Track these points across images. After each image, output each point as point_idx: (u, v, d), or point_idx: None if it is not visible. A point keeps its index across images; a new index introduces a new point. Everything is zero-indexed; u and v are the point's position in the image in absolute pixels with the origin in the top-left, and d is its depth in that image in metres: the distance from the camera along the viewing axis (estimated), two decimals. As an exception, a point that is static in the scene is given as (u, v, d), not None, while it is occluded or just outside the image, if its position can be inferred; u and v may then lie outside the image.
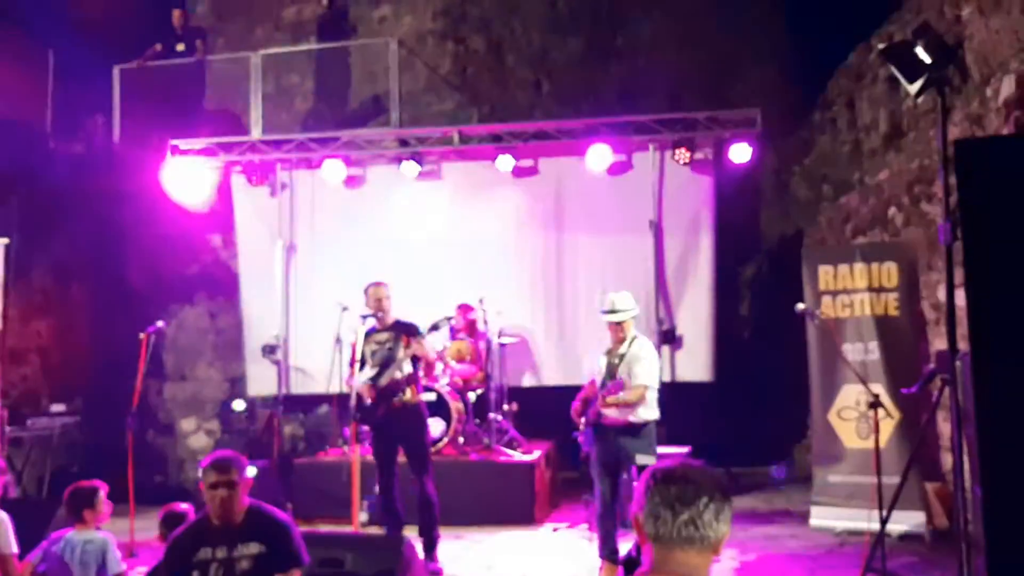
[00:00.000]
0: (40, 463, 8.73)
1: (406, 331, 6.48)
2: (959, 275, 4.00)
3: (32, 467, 8.61)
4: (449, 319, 8.65)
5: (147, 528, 6.99)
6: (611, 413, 5.81)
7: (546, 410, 9.34)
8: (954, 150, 3.67)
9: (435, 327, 6.88)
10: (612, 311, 5.93)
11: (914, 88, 4.18)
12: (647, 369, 5.89)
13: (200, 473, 3.70)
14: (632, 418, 5.81)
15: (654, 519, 1.96)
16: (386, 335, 6.49)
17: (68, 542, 4.54)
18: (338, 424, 8.99)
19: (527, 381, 9.37)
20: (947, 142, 4.16)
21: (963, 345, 4.18)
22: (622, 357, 5.88)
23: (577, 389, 9.35)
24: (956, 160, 3.62)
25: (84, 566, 4.50)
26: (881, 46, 4.69)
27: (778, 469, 9.43)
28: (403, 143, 9.71)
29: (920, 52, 4.11)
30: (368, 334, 6.54)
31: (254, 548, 3.59)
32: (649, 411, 5.90)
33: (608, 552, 5.91)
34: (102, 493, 4.72)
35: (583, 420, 6.00)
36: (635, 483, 2.08)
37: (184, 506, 4.94)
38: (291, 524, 3.74)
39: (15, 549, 4.60)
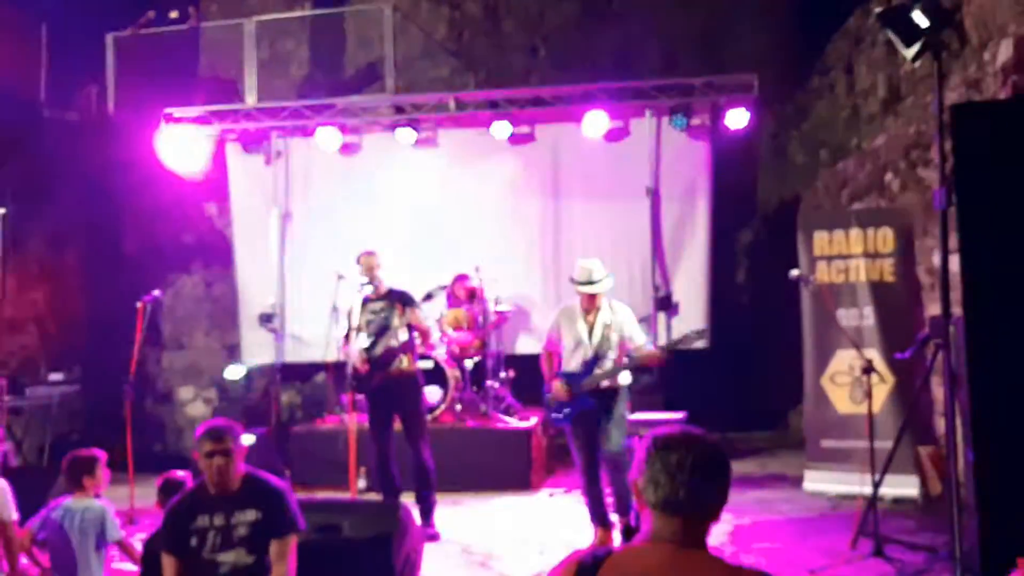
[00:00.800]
0: (40, 432, 8.77)
1: (400, 300, 6.49)
2: (954, 240, 4.00)
3: (32, 436, 8.66)
4: (444, 287, 8.66)
5: (146, 495, 7.03)
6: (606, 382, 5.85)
7: (542, 377, 9.38)
8: (950, 115, 3.66)
9: (429, 296, 6.91)
10: (590, 282, 5.86)
11: (910, 53, 4.15)
12: (639, 329, 6.00)
13: (195, 442, 3.72)
14: (620, 380, 5.91)
15: (654, 486, 1.96)
16: (381, 304, 6.50)
17: (67, 510, 4.57)
18: (335, 392, 9.02)
19: (524, 348, 9.39)
20: (944, 107, 4.14)
21: (957, 310, 4.19)
22: (609, 323, 5.88)
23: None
24: (953, 125, 3.61)
25: (83, 533, 4.53)
26: (878, 10, 4.64)
27: None
28: (399, 110, 9.65)
29: (917, 16, 4.07)
30: (363, 303, 6.54)
31: (251, 515, 3.62)
32: (627, 375, 5.98)
33: (599, 518, 5.97)
34: (101, 461, 4.75)
35: (560, 395, 5.93)
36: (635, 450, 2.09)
37: (182, 473, 4.97)
38: (287, 490, 3.76)
39: (15, 516, 4.63)
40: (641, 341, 5.95)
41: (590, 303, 5.90)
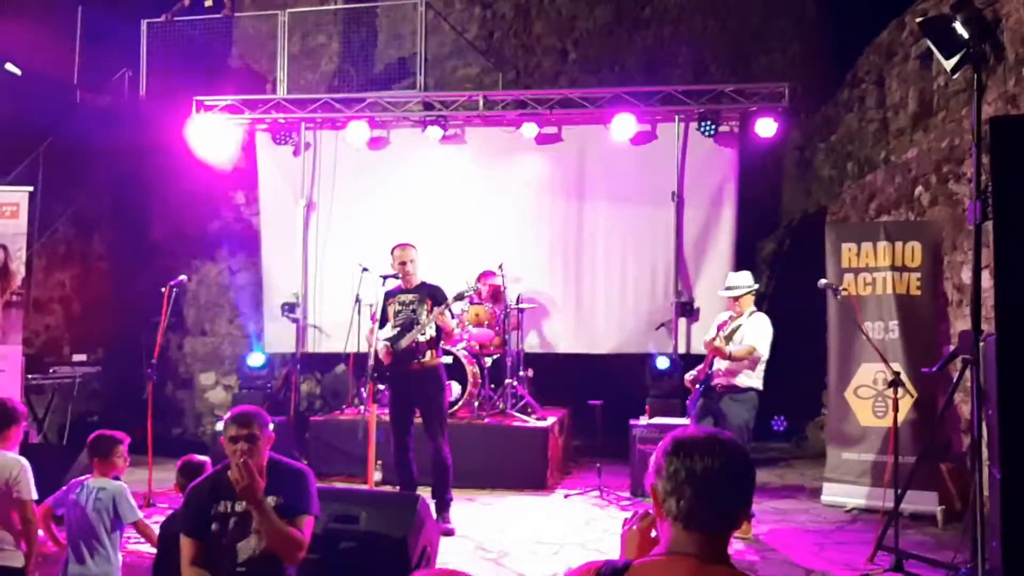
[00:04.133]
0: (61, 411, 8.84)
1: (431, 295, 6.48)
2: (986, 255, 3.96)
3: (53, 414, 8.73)
4: (476, 285, 8.65)
5: (164, 479, 7.10)
6: (722, 366, 6.28)
7: (561, 377, 9.38)
8: (989, 128, 3.62)
9: (460, 296, 6.92)
10: (728, 288, 6.54)
11: (950, 64, 4.12)
12: (758, 337, 6.29)
13: (220, 427, 3.70)
14: (736, 381, 6.27)
15: (676, 498, 1.83)
16: (411, 296, 6.49)
17: (84, 488, 4.59)
18: (355, 383, 9.06)
19: (543, 347, 9.39)
20: (981, 120, 4.11)
21: (985, 327, 4.16)
22: (739, 327, 6.27)
23: (593, 357, 9.40)
24: (991, 138, 3.57)
25: (98, 512, 4.55)
26: (920, 20, 4.61)
27: (778, 422, 9.72)
28: (428, 106, 9.67)
29: (958, 27, 4.05)
30: (392, 294, 6.55)
31: (271, 501, 3.60)
32: (753, 379, 6.32)
33: None
34: (123, 444, 4.76)
35: (693, 382, 6.53)
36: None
37: (202, 457, 4.98)
38: (308, 473, 3.74)
39: (34, 495, 4.64)
40: (750, 343, 6.23)
41: (735, 310, 6.48)
